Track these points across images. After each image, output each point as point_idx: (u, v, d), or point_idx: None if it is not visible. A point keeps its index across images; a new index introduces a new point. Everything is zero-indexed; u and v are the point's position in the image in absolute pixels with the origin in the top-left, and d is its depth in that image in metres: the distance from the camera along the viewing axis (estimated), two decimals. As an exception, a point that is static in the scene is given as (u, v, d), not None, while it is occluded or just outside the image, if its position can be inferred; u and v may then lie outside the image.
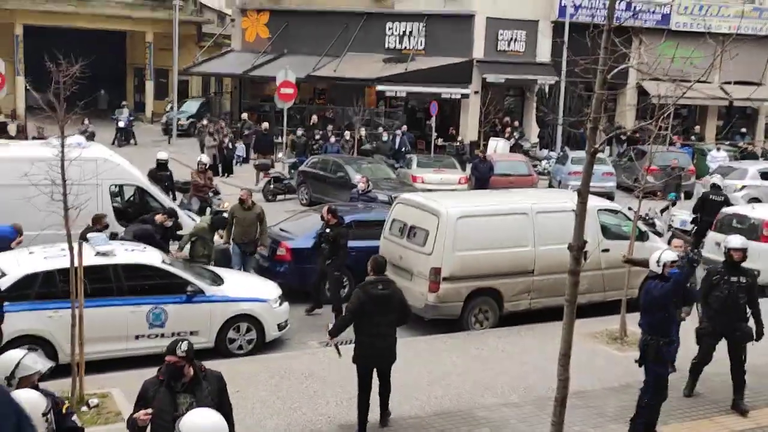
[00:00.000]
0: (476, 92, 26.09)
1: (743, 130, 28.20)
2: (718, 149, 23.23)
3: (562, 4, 25.93)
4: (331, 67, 26.22)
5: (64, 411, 4.32)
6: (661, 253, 7.06)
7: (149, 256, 8.83)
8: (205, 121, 25.64)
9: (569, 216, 6.00)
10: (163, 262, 8.77)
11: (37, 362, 4.45)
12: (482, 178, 18.73)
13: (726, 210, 13.11)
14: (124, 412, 6.94)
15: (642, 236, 10.74)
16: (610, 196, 17.90)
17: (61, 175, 6.69)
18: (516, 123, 26.94)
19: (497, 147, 23.06)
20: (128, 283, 8.41)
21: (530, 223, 10.13)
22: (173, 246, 10.35)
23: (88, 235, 8.65)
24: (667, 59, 6.08)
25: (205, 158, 15.66)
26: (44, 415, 3.99)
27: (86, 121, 23.40)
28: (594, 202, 10.44)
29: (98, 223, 9.71)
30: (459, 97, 26.12)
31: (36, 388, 4.33)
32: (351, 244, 10.60)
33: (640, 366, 6.88)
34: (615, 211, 11.40)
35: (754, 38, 25.98)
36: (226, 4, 33.82)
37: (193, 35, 35.06)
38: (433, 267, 9.58)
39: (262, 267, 11.17)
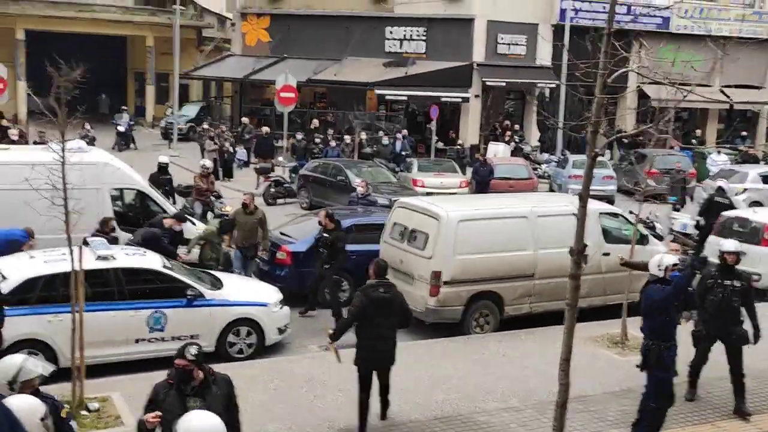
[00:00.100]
0: (476, 96, 26.11)
1: (744, 133, 28.19)
2: (719, 153, 23.24)
3: (563, 8, 25.96)
4: (332, 71, 26.26)
5: (63, 415, 4.32)
6: (663, 256, 7.05)
7: (149, 260, 8.83)
8: (205, 125, 25.67)
9: (570, 220, 6.00)
10: (164, 266, 8.77)
11: (38, 366, 4.46)
12: (482, 181, 18.74)
13: (727, 214, 13.10)
14: (124, 417, 6.94)
15: (643, 240, 10.73)
16: (610, 200, 17.91)
17: (61, 179, 6.70)
18: (516, 127, 26.96)
19: (497, 151, 23.07)
20: (128, 287, 8.40)
21: (531, 226, 10.12)
22: (181, 250, 10.34)
23: (89, 239, 8.65)
24: (667, 63, 6.08)
25: (209, 163, 15.68)
26: (42, 420, 3.99)
27: (87, 126, 23.43)
28: (595, 206, 10.44)
29: (106, 227, 9.75)
30: (459, 100, 26.14)
31: (37, 391, 4.34)
32: (351, 247, 10.60)
33: (641, 371, 6.86)
34: (616, 215, 11.40)
35: (755, 42, 26.01)
36: (227, 9, 33.92)
37: (194, 39, 35.13)
38: (434, 271, 9.57)
39: (263, 271, 11.17)
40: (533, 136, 27.54)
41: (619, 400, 7.69)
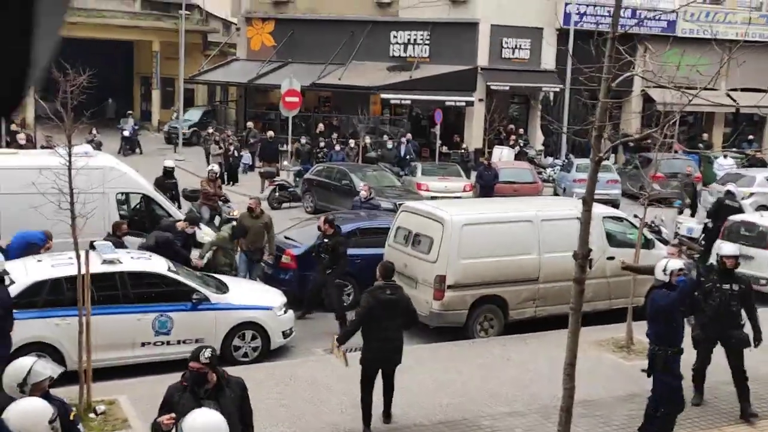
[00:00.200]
0: (481, 100, 26.12)
1: (750, 137, 28.11)
2: (725, 156, 23.16)
3: (567, 12, 25.97)
4: (336, 75, 26.32)
5: (72, 418, 4.36)
6: (668, 261, 7.04)
7: (155, 263, 8.86)
8: (210, 130, 25.76)
9: (574, 224, 6.00)
10: (169, 269, 8.80)
11: (47, 368, 4.49)
12: (487, 185, 18.73)
13: (734, 218, 13.08)
14: (131, 419, 6.96)
15: (648, 244, 10.71)
16: (615, 204, 17.88)
17: (68, 183, 6.74)
18: (521, 130, 26.95)
19: (502, 155, 23.06)
20: (134, 291, 8.44)
21: (535, 230, 10.12)
22: (194, 255, 10.38)
23: (95, 243, 8.70)
24: (672, 66, 6.08)
25: (216, 167, 15.72)
26: (50, 422, 4.02)
27: (94, 131, 23.55)
28: (599, 210, 10.43)
29: (118, 230, 9.80)
30: (463, 104, 26.16)
31: (47, 394, 4.38)
32: (356, 251, 10.61)
33: (649, 376, 6.85)
34: (620, 219, 11.39)
35: (761, 45, 25.94)
36: (232, 13, 34.04)
37: (199, 44, 35.27)
38: (438, 275, 9.58)
39: (267, 274, 11.20)
40: (538, 140, 27.52)
41: (625, 404, 7.67)
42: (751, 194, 18.44)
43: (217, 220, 13.72)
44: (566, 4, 26.02)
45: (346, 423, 7.13)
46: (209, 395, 4.61)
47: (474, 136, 26.24)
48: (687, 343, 7.79)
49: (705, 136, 28.32)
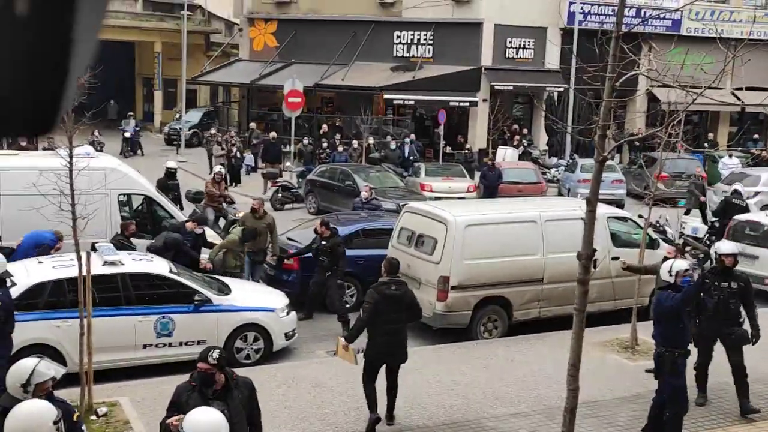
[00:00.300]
0: (484, 100, 26.06)
1: (756, 136, 27.98)
2: (730, 156, 23.06)
3: (571, 11, 25.89)
4: (339, 76, 26.28)
5: (75, 419, 4.37)
6: (673, 262, 6.99)
7: (157, 265, 8.83)
8: (213, 131, 25.79)
9: (578, 224, 5.94)
10: (170, 271, 8.77)
11: (50, 369, 4.50)
12: (491, 186, 18.67)
13: (739, 217, 13.02)
14: (132, 421, 6.93)
15: (653, 244, 10.64)
16: (619, 204, 17.80)
17: (69, 185, 6.72)
18: (525, 131, 26.87)
19: (506, 155, 23.00)
20: (136, 293, 8.41)
21: (539, 231, 10.06)
22: (203, 257, 10.33)
23: (96, 245, 8.67)
24: (677, 65, 6.02)
25: (222, 169, 15.67)
26: (55, 423, 4.01)
27: (95, 132, 23.56)
28: (603, 210, 10.37)
29: (126, 230, 9.78)
30: (467, 104, 26.10)
31: (51, 395, 4.38)
32: (359, 252, 10.57)
33: (655, 378, 6.82)
34: (625, 219, 11.32)
35: (767, 43, 25.80)
36: (234, 14, 34.05)
37: (201, 45, 35.31)
38: (442, 276, 9.53)
39: (270, 276, 11.17)
40: (542, 140, 27.44)
41: (629, 405, 7.62)
42: (756, 193, 18.35)
43: (222, 222, 13.69)
44: (570, 3, 25.95)
45: (350, 425, 7.09)
46: (217, 396, 4.61)
47: (478, 136, 26.18)
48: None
49: (710, 135, 28.19)
